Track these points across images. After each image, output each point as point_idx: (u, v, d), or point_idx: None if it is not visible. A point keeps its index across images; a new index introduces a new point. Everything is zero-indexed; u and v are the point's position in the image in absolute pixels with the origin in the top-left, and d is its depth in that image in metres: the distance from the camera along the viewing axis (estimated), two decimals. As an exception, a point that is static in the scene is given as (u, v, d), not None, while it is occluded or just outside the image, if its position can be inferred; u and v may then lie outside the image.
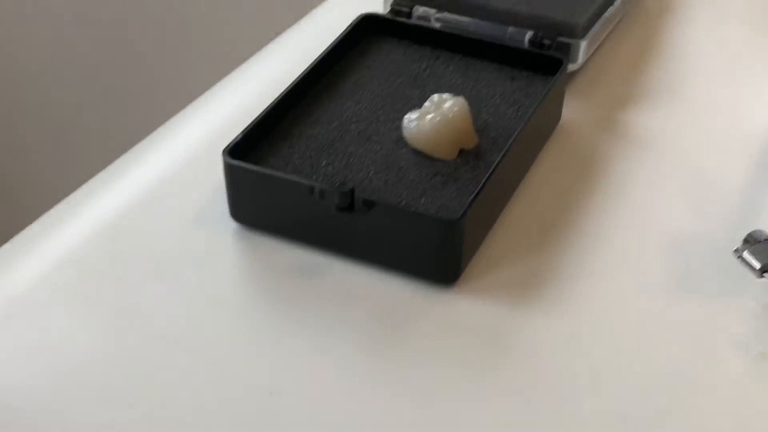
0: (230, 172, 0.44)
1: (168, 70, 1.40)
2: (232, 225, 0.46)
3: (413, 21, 0.55)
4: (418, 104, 0.48)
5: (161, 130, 0.52)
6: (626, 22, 0.61)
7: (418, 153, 0.47)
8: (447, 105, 0.47)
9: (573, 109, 0.53)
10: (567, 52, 0.53)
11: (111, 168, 0.49)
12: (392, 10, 0.56)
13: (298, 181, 0.43)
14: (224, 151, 0.44)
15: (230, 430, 0.37)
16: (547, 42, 0.53)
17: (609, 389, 0.39)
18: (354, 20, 0.54)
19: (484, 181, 0.43)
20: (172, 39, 1.35)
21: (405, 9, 0.55)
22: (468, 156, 0.47)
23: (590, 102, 0.54)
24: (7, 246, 0.46)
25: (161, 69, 1.40)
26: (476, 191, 0.43)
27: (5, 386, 0.39)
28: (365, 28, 0.54)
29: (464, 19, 0.55)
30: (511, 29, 0.54)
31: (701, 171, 0.50)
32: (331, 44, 0.52)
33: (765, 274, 0.41)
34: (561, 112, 0.52)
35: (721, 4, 0.64)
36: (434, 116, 0.47)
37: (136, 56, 1.40)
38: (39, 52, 1.44)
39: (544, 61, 0.52)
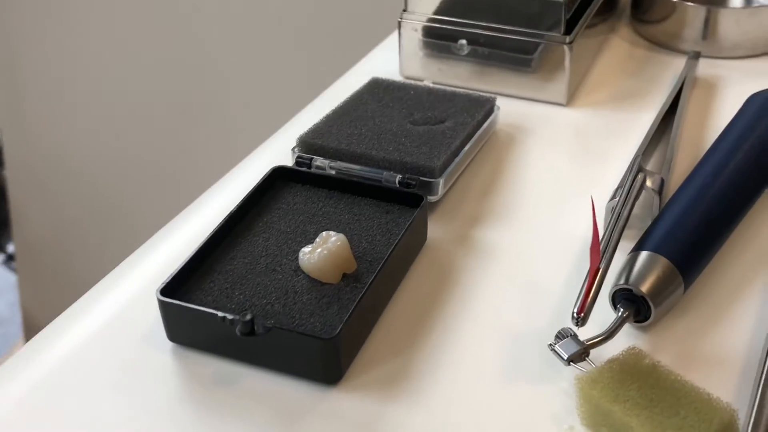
0: (163, 307, 0.45)
1: (147, 194, 1.41)
2: (169, 345, 0.46)
3: (313, 170, 0.56)
4: (313, 239, 0.49)
5: (114, 273, 0.52)
6: (479, 157, 0.61)
7: (310, 279, 0.47)
8: (332, 240, 0.48)
9: (436, 231, 0.54)
10: (429, 188, 0.54)
11: (75, 306, 0.49)
12: (296, 162, 0.56)
13: (213, 312, 0.43)
14: (157, 290, 0.45)
15: None
16: (412, 182, 0.53)
17: (452, 464, 0.39)
18: (267, 172, 0.55)
19: (356, 301, 0.44)
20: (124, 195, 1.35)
21: (306, 160, 0.56)
22: (349, 279, 0.47)
23: (449, 224, 0.55)
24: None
25: (144, 193, 1.40)
26: (350, 312, 0.43)
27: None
28: (277, 176, 0.55)
29: (352, 166, 0.55)
30: (385, 173, 0.54)
31: (531, 276, 0.50)
32: (247, 193, 0.53)
33: (571, 363, 0.42)
34: (425, 234, 0.53)
35: (551, 139, 0.64)
36: (321, 250, 0.47)
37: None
38: None
39: (411, 197, 0.52)
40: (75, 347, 0.46)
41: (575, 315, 0.43)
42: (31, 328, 1.61)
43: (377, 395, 0.43)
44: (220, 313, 0.43)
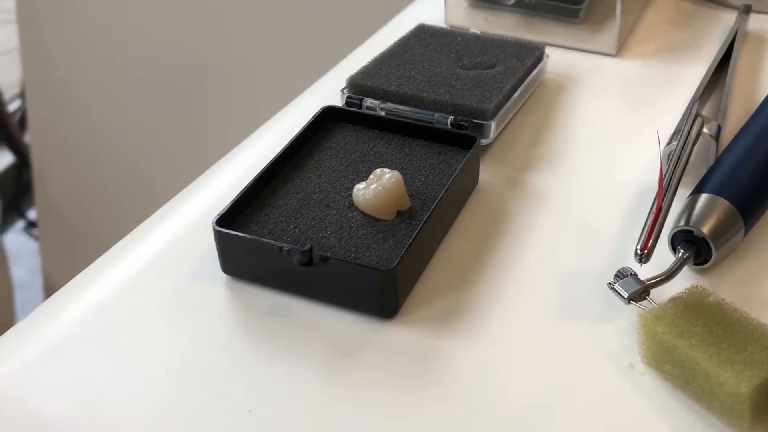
0: (219, 238, 0.44)
1: (169, 158, 1.40)
2: (223, 277, 0.46)
3: (363, 110, 0.55)
4: (366, 177, 0.49)
5: (169, 205, 0.52)
6: (530, 101, 0.61)
7: (364, 215, 0.47)
8: (386, 177, 0.47)
9: (487, 174, 0.53)
10: (480, 130, 0.54)
11: (130, 235, 0.49)
12: (347, 102, 0.56)
13: (270, 243, 0.43)
14: (213, 221, 0.45)
15: (217, 442, 0.37)
16: (464, 123, 0.53)
17: (515, 393, 0.39)
18: (317, 111, 0.54)
19: (414, 236, 0.44)
20: (178, 135, 1.35)
21: (356, 101, 0.56)
22: (403, 216, 0.47)
23: (500, 168, 0.54)
24: (50, 300, 0.46)
25: (166, 157, 1.40)
26: (407, 245, 0.43)
27: (44, 410, 0.39)
28: (326, 117, 0.55)
29: (402, 108, 0.55)
30: (437, 114, 0.54)
31: (585, 220, 0.50)
32: (299, 132, 0.52)
33: (631, 302, 0.42)
34: (477, 177, 0.52)
35: (600, 88, 0.64)
36: (376, 186, 0.47)
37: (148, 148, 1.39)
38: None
39: (463, 139, 0.52)
40: (128, 277, 0.46)
41: (639, 251, 0.42)
42: (51, 294, 1.60)
43: (433, 330, 0.42)
44: (277, 243, 0.43)
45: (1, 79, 1.73)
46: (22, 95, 1.87)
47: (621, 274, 0.43)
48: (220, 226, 0.44)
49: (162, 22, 1.29)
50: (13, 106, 1.95)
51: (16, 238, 1.96)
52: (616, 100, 0.62)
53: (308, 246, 0.42)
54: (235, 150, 0.56)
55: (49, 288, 1.61)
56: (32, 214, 1.95)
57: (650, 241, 0.42)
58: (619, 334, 0.42)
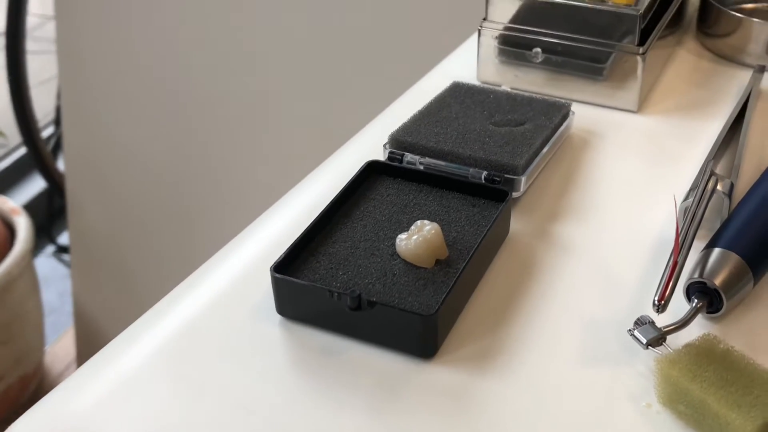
0: (276, 283, 0.49)
1: (203, 188, 1.43)
2: (278, 318, 0.50)
3: (404, 164, 0.60)
4: (407, 227, 0.53)
5: (224, 250, 0.56)
6: (556, 158, 0.65)
7: (406, 263, 0.51)
8: (426, 228, 0.52)
9: (517, 225, 0.58)
10: (512, 184, 0.58)
11: (190, 278, 0.54)
12: (389, 157, 0.60)
13: (323, 288, 0.47)
14: (271, 268, 0.49)
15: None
16: (497, 178, 0.57)
17: (542, 429, 0.43)
18: (362, 166, 0.59)
19: (452, 284, 0.48)
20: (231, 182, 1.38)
21: (398, 156, 0.60)
22: (441, 264, 0.51)
23: (530, 218, 0.58)
24: (120, 336, 0.50)
25: (200, 186, 1.42)
26: (447, 292, 0.47)
27: (122, 439, 0.43)
28: (370, 171, 0.59)
29: (439, 162, 0.59)
30: (472, 170, 0.58)
31: (608, 269, 0.54)
32: (346, 184, 0.57)
33: (649, 347, 0.46)
34: (509, 227, 0.57)
35: (623, 143, 0.68)
36: (417, 237, 0.51)
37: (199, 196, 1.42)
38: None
39: (495, 192, 0.56)
40: (190, 318, 0.51)
41: (656, 302, 0.46)
42: (81, 318, 1.66)
43: (468, 369, 0.47)
44: (329, 289, 0.47)
45: (37, 107, 1.78)
46: (56, 122, 1.92)
47: (640, 322, 0.47)
48: (277, 272, 0.49)
49: (200, 54, 1.33)
50: (46, 132, 2.01)
51: (46, 262, 2.02)
52: (637, 155, 0.66)
53: (357, 292, 0.46)
54: (283, 198, 0.61)
55: (79, 311, 1.66)
56: (62, 239, 2.00)
57: (667, 293, 0.46)
58: (638, 377, 0.46)
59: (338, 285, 0.50)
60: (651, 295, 0.51)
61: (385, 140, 0.62)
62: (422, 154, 0.60)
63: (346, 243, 0.53)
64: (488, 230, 0.52)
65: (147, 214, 1.51)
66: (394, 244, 0.52)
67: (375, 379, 0.46)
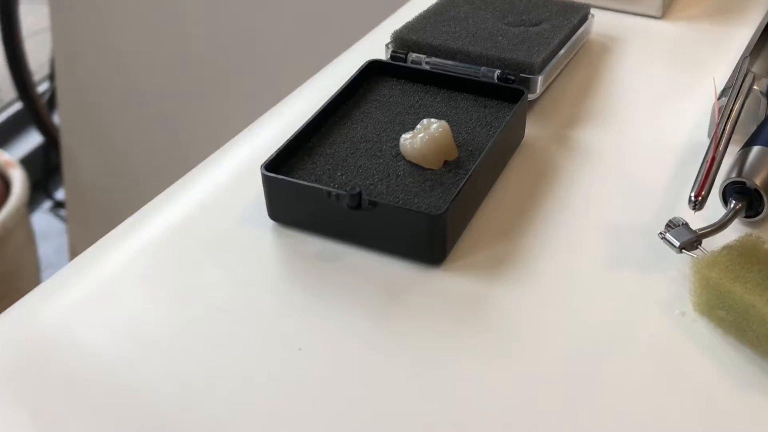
0: (267, 183, 0.44)
1: (201, 140, 1.38)
2: (270, 223, 0.45)
3: (408, 64, 0.55)
4: (412, 128, 0.48)
5: (217, 153, 0.52)
6: (576, 60, 0.60)
7: (411, 164, 0.46)
8: (433, 126, 0.47)
9: (533, 129, 0.53)
10: (527, 84, 0.53)
11: (176, 184, 0.49)
12: (392, 56, 0.55)
13: (319, 187, 0.43)
14: (262, 166, 0.44)
15: (268, 377, 0.37)
16: (511, 77, 0.52)
17: (563, 340, 0.38)
18: (362, 65, 0.54)
19: (462, 184, 0.43)
20: (225, 89, 1.34)
21: (401, 55, 0.55)
22: (450, 166, 0.46)
23: (546, 123, 0.54)
24: (101, 240, 0.46)
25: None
26: (456, 192, 0.42)
27: (95, 344, 0.39)
28: (371, 71, 0.54)
29: (447, 62, 0.54)
30: (483, 68, 0.53)
31: (632, 175, 0.49)
32: (345, 83, 0.52)
33: (683, 251, 0.41)
34: (524, 131, 0.52)
35: (646, 49, 0.63)
36: (424, 135, 0.46)
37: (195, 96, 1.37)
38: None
39: (509, 92, 0.51)
40: (176, 221, 0.46)
41: (692, 198, 0.41)
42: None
43: (480, 277, 0.42)
44: (326, 188, 0.42)
45: (31, 60, 1.73)
46: (50, 77, 1.87)
47: (672, 224, 0.42)
48: (269, 171, 0.44)
49: (199, 5, 1.28)
50: (41, 88, 1.96)
51: (43, 218, 1.97)
52: (661, 61, 0.61)
53: (357, 190, 0.41)
54: (280, 103, 0.56)
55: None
56: (59, 195, 1.96)
57: (704, 189, 0.41)
58: (669, 283, 0.41)
59: (336, 186, 0.45)
60: (680, 200, 0.47)
61: (389, 40, 0.56)
62: (428, 53, 0.55)
63: (344, 144, 0.48)
64: (502, 130, 0.47)
65: (143, 167, 1.47)
66: (397, 145, 0.47)
67: (377, 286, 0.41)
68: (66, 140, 1.52)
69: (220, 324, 0.39)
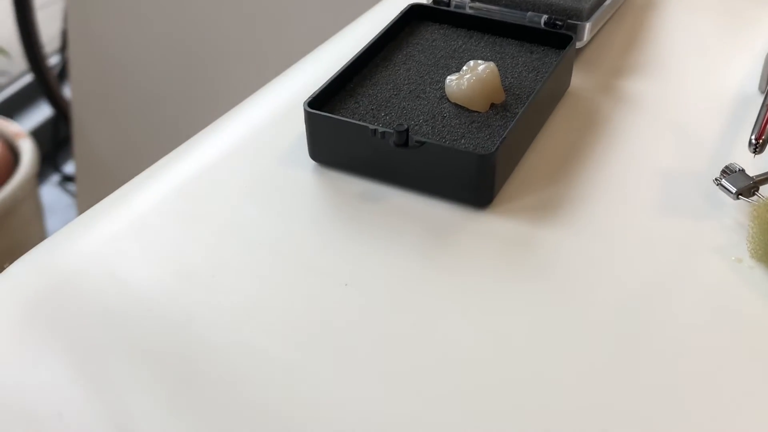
0: (309, 120, 0.43)
1: (212, 114, 1.36)
2: (311, 163, 0.44)
3: (451, 8, 0.53)
4: (457, 71, 0.47)
5: (253, 96, 0.50)
6: (620, 13, 0.58)
7: (457, 106, 0.45)
8: (480, 68, 0.45)
9: (579, 78, 0.51)
10: (575, 31, 0.51)
11: (219, 120, 0.48)
12: (434, 1, 0.54)
13: (364, 125, 0.41)
14: (305, 103, 0.43)
15: (315, 312, 0.36)
16: (558, 23, 0.51)
17: (614, 284, 0.37)
18: (404, 8, 0.52)
19: (511, 126, 0.42)
20: (269, 31, 1.31)
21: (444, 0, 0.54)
22: (497, 108, 0.45)
23: (593, 72, 0.52)
24: (138, 177, 0.45)
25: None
26: (505, 134, 0.41)
27: (135, 277, 0.38)
28: (413, 15, 0.53)
29: (492, 7, 0.53)
30: (529, 13, 0.52)
31: (681, 124, 0.48)
32: (385, 26, 0.50)
33: (740, 197, 0.40)
34: (570, 79, 0.50)
35: (695, 6, 0.61)
36: (470, 77, 0.45)
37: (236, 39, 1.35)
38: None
39: (556, 38, 0.50)
40: (215, 159, 0.45)
41: (753, 140, 0.40)
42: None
43: (529, 219, 0.41)
44: (371, 126, 0.41)
45: (42, 32, 1.71)
46: (61, 50, 1.86)
47: (728, 170, 0.41)
48: (311, 108, 0.43)
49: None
50: (52, 60, 1.94)
51: (51, 191, 1.96)
52: (709, 16, 0.59)
53: (405, 126, 0.40)
54: (318, 48, 0.55)
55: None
56: (68, 169, 1.95)
57: (766, 131, 0.40)
58: (724, 230, 0.40)
59: (379, 125, 0.43)
60: (733, 148, 0.45)
61: (432, -15, 0.55)
62: (472, -2, 0.53)
63: (387, 85, 0.47)
64: (550, 74, 0.46)
65: (155, 143, 1.45)
66: (442, 88, 0.46)
67: (423, 227, 0.40)
68: (77, 114, 1.51)
69: (261, 259, 0.38)
